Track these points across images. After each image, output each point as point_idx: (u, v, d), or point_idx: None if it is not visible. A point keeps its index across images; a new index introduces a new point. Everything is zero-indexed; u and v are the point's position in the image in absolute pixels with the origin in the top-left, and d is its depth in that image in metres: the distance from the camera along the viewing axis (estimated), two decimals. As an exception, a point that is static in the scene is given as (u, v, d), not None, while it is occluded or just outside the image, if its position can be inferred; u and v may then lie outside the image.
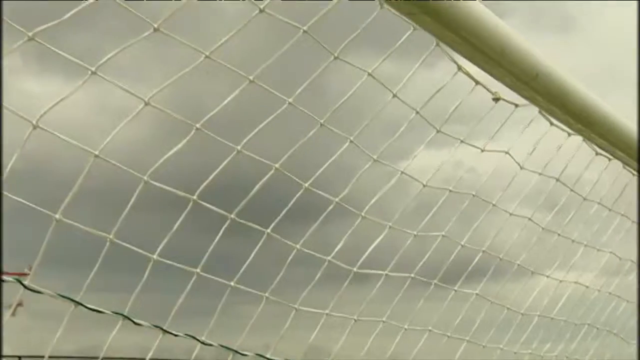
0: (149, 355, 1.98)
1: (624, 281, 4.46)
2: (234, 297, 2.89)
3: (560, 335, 4.34)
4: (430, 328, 3.51)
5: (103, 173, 2.11)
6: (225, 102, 2.12)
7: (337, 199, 2.72)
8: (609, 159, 3.29)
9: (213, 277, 2.15)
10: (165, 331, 2.01)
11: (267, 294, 2.42)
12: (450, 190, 3.28)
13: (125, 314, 1.91)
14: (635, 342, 4.96)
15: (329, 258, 2.80)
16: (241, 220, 2.25)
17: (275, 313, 2.97)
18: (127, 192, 2.10)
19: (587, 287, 4.18)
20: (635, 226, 4.06)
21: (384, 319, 3.22)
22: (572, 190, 3.58)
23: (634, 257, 4.29)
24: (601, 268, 4.26)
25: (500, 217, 3.75)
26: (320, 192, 2.71)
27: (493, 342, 3.94)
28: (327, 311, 2.85)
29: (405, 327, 3.37)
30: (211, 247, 2.17)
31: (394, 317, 3.40)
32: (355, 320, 3.05)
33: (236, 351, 2.25)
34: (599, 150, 3.21)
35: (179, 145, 1.99)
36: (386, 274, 3.13)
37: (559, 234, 3.77)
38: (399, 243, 3.34)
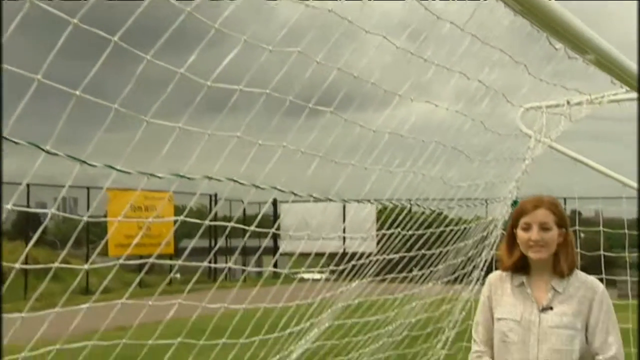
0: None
1: (471, 101, 4.65)
2: (89, 125, 2.81)
3: (409, 152, 4.53)
4: (284, 144, 3.56)
5: None
6: None
7: (189, 9, 2.63)
8: (463, -22, 3.32)
9: (55, 84, 2.05)
10: (5, 138, 1.93)
11: (116, 105, 2.35)
12: (307, 5, 3.23)
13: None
14: (479, 158, 5.27)
15: (181, 71, 2.74)
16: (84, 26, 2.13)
17: (128, 139, 2.91)
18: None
19: (436, 105, 4.32)
20: (485, 47, 4.17)
21: (238, 134, 3.24)
22: (426, 9, 3.60)
23: (482, 78, 4.45)
24: (451, 87, 4.41)
25: (357, 36, 3.76)
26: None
27: (345, 158, 4.07)
28: (179, 124, 2.83)
29: (260, 142, 3.40)
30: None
31: (249, 134, 3.42)
32: (208, 135, 3.04)
33: (84, 161, 2.20)
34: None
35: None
36: (240, 89, 3.11)
37: (411, 53, 3.84)
38: (255, 59, 3.30)
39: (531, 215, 3.37)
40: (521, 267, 3.45)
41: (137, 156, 3.21)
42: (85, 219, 2.31)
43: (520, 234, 3.40)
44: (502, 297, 3.46)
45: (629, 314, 6.57)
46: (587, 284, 3.41)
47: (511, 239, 3.48)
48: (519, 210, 3.45)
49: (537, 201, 3.42)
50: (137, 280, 2.96)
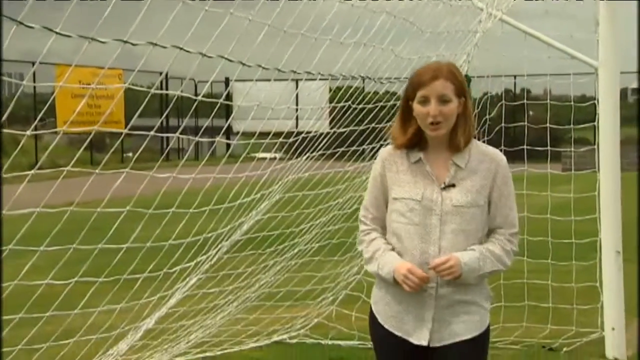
0: None
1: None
2: None
3: (359, 24, 4.48)
4: (231, 11, 3.50)
5: None
6: None
7: None
8: None
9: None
10: None
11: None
12: None
13: None
14: (430, 30, 5.24)
15: None
16: None
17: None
18: None
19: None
20: None
21: (183, -1, 3.16)
22: None
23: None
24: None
25: None
26: None
27: (294, 28, 4.02)
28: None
29: (207, 8, 3.34)
30: None
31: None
32: (152, -1, 2.96)
33: (20, 22, 2.13)
34: None
35: None
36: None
37: None
38: None
39: (429, 88, 3.02)
40: (416, 143, 3.13)
41: (81, 29, 3.13)
42: (24, 82, 2.26)
43: (418, 108, 3.05)
44: (397, 174, 3.14)
45: (571, 186, 6.77)
46: (489, 155, 3.13)
47: (406, 113, 3.12)
48: (416, 82, 3.07)
49: (435, 71, 3.05)
50: (83, 147, 2.93)
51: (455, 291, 3.05)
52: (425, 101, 3.02)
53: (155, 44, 3.05)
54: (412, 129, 3.10)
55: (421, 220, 3.05)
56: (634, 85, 34.66)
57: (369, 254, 3.17)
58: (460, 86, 3.06)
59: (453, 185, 3.06)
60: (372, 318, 3.19)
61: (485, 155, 3.12)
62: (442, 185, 3.06)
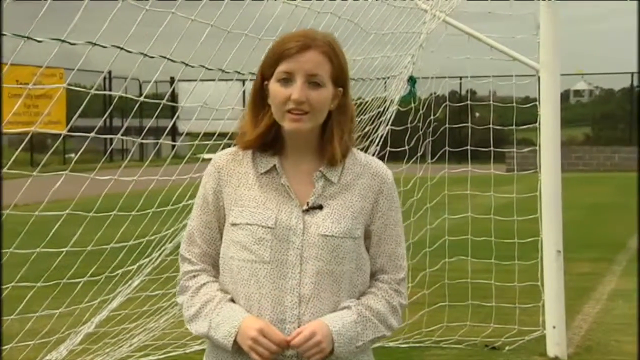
0: None
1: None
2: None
3: (304, 24, 4.46)
4: (173, 11, 3.46)
5: None
6: None
7: None
8: None
9: None
10: None
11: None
12: None
13: None
14: (375, 32, 5.25)
15: None
16: None
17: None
18: None
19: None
20: None
21: (123, -3, 3.10)
22: None
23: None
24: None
25: None
26: None
27: (237, 28, 3.99)
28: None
29: (147, 7, 3.29)
30: None
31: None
32: (91, -3, 2.90)
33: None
34: None
35: None
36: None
37: None
38: None
39: (295, 60, 2.10)
40: (271, 143, 2.21)
41: (19, 28, 3.05)
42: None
43: (276, 88, 2.13)
44: (238, 189, 2.22)
45: (514, 186, 6.85)
46: (371, 168, 2.26)
47: (259, 99, 2.21)
48: (277, 52, 2.13)
49: (307, 38, 2.14)
50: (21, 148, 2.85)
51: None
52: (287, 80, 2.12)
53: (95, 44, 2.99)
54: (265, 121, 2.20)
55: (274, 256, 2.15)
56: (576, 87, 35.44)
57: (194, 307, 2.20)
58: (339, 70, 2.17)
59: (320, 207, 2.18)
60: None
61: (365, 168, 2.25)
62: (305, 207, 2.18)
